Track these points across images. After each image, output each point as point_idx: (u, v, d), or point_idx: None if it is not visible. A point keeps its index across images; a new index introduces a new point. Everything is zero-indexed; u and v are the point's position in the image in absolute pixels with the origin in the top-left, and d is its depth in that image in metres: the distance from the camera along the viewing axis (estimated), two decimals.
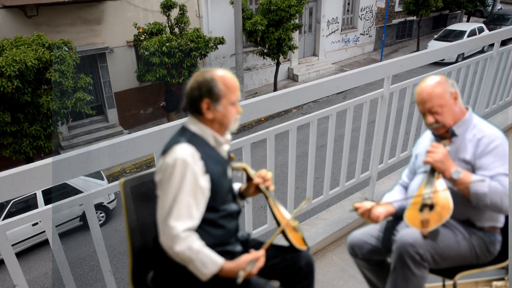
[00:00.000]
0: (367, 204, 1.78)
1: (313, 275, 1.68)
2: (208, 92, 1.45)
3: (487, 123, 1.76)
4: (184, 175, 1.37)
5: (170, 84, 11.30)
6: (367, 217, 1.77)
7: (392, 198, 1.91)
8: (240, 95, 1.52)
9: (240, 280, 1.36)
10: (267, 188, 1.66)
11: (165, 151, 1.43)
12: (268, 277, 1.56)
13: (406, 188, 2.01)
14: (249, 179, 1.68)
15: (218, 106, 1.46)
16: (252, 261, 1.40)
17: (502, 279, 2.17)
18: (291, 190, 2.64)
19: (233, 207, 1.58)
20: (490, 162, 1.64)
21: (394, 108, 3.05)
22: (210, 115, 1.47)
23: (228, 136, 1.55)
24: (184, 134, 1.47)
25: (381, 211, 1.78)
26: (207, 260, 1.37)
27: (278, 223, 1.62)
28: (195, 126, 1.50)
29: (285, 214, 1.67)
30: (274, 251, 1.65)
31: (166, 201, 1.39)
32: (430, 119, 1.74)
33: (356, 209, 1.78)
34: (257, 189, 1.67)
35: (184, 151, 1.39)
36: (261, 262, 1.42)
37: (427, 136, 1.96)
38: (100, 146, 1.70)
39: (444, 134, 1.78)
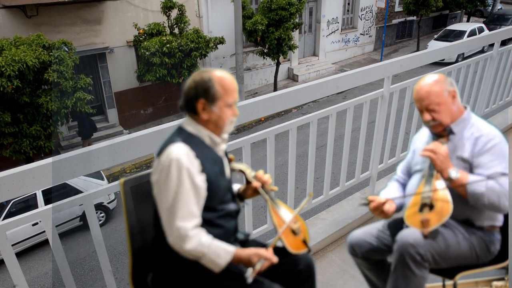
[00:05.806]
0: (381, 199, 1.75)
1: (313, 278, 1.67)
2: (204, 93, 1.44)
3: (485, 122, 1.76)
4: (180, 175, 1.37)
5: (82, 110, 8.95)
6: (379, 212, 1.74)
7: (389, 195, 1.89)
8: (238, 97, 1.51)
9: (249, 280, 1.39)
10: (267, 190, 1.65)
11: (160, 151, 1.43)
12: (269, 279, 1.56)
13: (401, 183, 2.00)
14: (248, 181, 1.67)
15: (214, 108, 1.45)
16: (262, 258, 1.42)
17: (502, 279, 2.17)
18: (291, 190, 2.64)
19: (231, 206, 1.57)
20: (488, 161, 1.64)
21: (394, 108, 3.05)
22: (205, 116, 1.46)
23: (225, 135, 1.54)
24: (180, 134, 1.47)
25: (389, 207, 1.76)
26: (220, 251, 1.39)
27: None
28: (191, 126, 1.50)
29: (284, 216, 1.65)
30: (274, 253, 1.64)
31: (167, 203, 1.38)
32: (427, 116, 1.74)
33: (368, 202, 1.75)
34: (256, 191, 1.66)
35: (179, 151, 1.39)
36: (270, 262, 1.43)
37: (424, 132, 1.96)
38: (100, 146, 1.70)
39: (441, 132, 1.77)
